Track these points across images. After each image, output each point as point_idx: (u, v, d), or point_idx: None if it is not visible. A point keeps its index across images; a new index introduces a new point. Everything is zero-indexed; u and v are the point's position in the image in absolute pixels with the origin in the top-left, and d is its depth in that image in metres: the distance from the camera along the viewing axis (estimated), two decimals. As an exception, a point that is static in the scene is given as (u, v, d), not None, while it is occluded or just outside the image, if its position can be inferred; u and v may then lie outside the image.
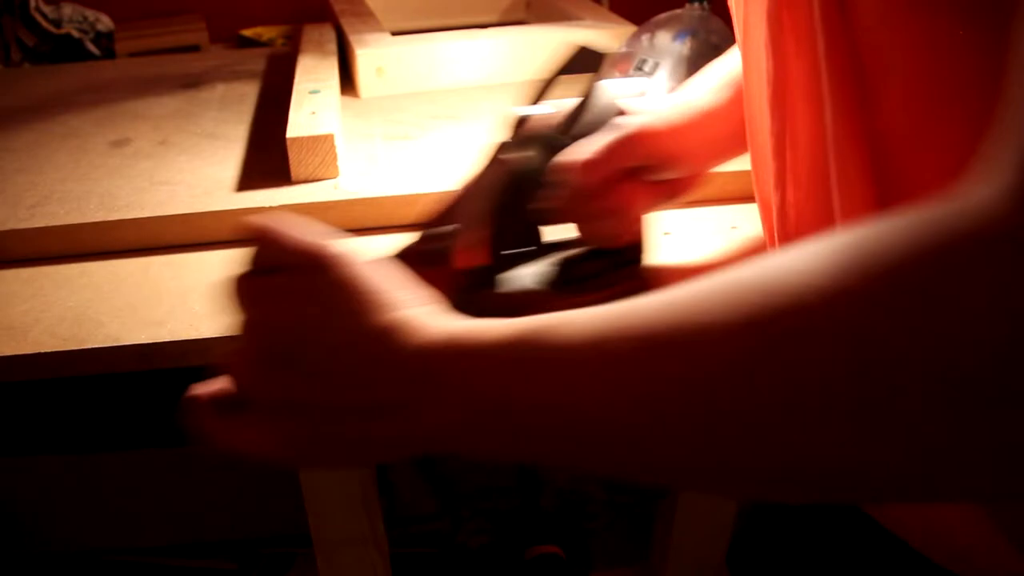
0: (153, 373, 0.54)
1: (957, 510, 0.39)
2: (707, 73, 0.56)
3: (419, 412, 0.32)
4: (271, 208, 0.65)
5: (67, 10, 1.36)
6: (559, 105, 0.50)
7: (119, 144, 0.81)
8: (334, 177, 0.70)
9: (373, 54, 0.92)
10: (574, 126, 0.50)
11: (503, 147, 0.48)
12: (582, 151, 0.49)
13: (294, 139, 0.69)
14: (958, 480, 0.25)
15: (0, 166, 0.76)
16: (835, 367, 0.24)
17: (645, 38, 0.82)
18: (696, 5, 0.81)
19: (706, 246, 0.62)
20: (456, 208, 0.48)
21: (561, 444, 0.31)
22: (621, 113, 0.52)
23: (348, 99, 0.92)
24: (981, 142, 0.24)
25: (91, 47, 1.35)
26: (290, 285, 0.35)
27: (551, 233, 0.54)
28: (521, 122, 0.49)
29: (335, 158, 0.70)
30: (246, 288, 0.36)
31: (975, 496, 0.27)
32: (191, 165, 0.75)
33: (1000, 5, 0.29)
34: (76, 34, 1.34)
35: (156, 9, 1.46)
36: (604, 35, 0.96)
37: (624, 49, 0.84)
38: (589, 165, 0.49)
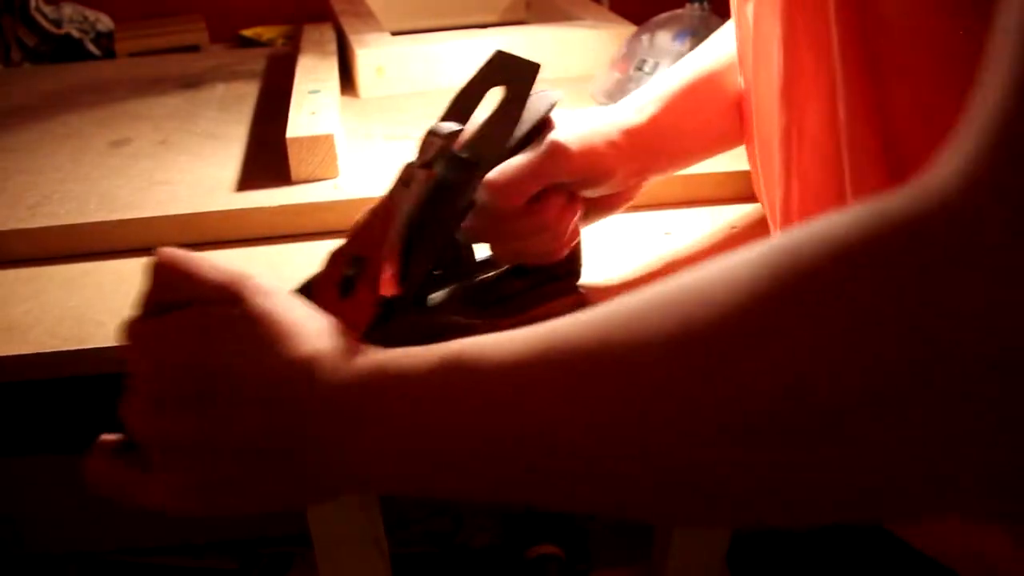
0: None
1: (957, 510, 0.39)
2: (643, 89, 0.55)
3: (341, 450, 0.31)
4: (271, 208, 0.66)
5: (67, 10, 1.36)
6: (477, 119, 0.47)
7: (119, 144, 0.81)
8: (334, 177, 0.70)
9: (373, 54, 0.92)
10: (494, 140, 0.47)
11: (415, 166, 0.45)
12: (502, 171, 0.46)
13: (294, 139, 0.69)
14: (901, 491, 0.24)
15: (0, 166, 0.76)
16: (765, 381, 0.23)
17: (645, 38, 0.82)
18: (696, 5, 0.81)
19: (707, 245, 0.62)
20: (366, 232, 0.44)
21: (490, 475, 0.29)
22: (544, 125, 0.49)
23: (348, 99, 0.92)
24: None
25: (91, 47, 1.35)
26: (197, 319, 0.32)
27: (475, 252, 0.51)
28: (435, 138, 0.45)
29: (335, 158, 0.70)
30: (144, 330, 0.33)
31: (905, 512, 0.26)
32: (191, 165, 0.75)
33: None
34: (76, 34, 1.34)
35: (156, 9, 1.46)
36: (604, 35, 0.96)
37: (624, 49, 0.84)
38: (509, 186, 0.46)
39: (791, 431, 0.23)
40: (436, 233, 0.44)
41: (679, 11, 0.82)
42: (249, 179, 0.71)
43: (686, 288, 0.26)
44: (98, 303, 0.57)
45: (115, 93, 0.97)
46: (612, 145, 0.50)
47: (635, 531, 0.99)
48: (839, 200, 0.39)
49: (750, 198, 0.65)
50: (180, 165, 0.75)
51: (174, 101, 0.93)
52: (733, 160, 0.61)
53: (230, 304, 0.32)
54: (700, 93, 0.55)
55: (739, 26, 0.49)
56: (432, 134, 0.45)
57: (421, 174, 0.44)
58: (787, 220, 0.44)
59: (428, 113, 0.87)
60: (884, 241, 0.22)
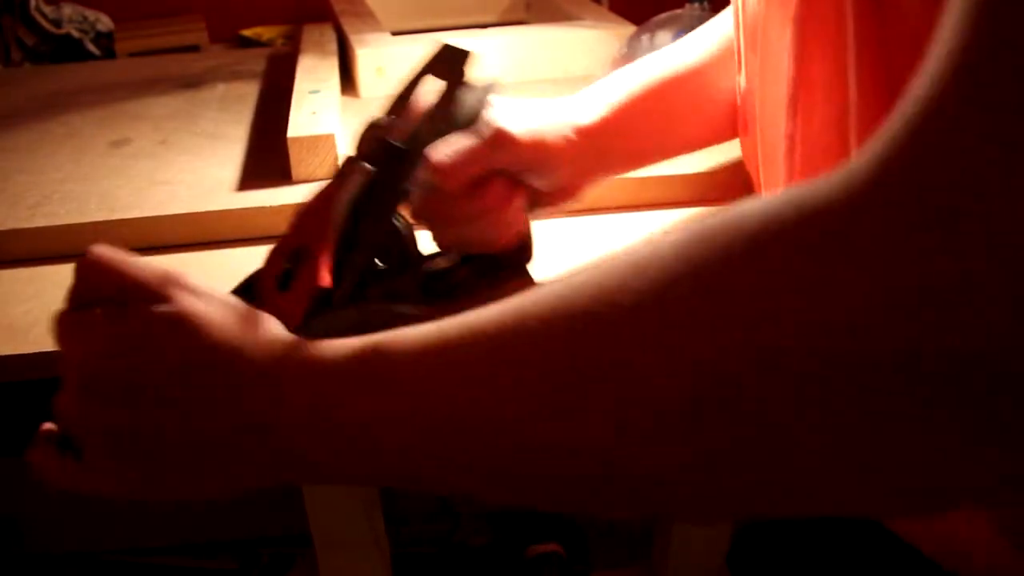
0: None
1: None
2: (603, 85, 0.56)
3: (265, 437, 0.31)
4: (271, 208, 0.65)
5: (67, 10, 1.36)
6: (417, 109, 0.48)
7: (119, 144, 0.81)
8: (334, 177, 0.70)
9: (373, 54, 0.92)
10: (433, 131, 0.48)
11: (354, 158, 0.46)
12: (441, 153, 0.47)
13: (294, 139, 0.69)
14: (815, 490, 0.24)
15: (0, 166, 0.76)
16: (663, 371, 0.23)
17: (645, 38, 0.82)
18: (696, 5, 0.81)
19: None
20: (303, 226, 0.46)
21: (411, 461, 0.30)
22: (481, 114, 0.50)
23: (348, 99, 0.92)
24: None
25: (91, 47, 1.35)
26: (123, 314, 0.33)
27: (420, 244, 0.52)
28: (371, 130, 0.47)
29: (335, 158, 0.70)
30: (73, 323, 0.34)
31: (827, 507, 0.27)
32: (191, 165, 0.75)
33: None
34: (76, 34, 1.34)
35: (156, 9, 1.46)
36: (604, 35, 0.96)
37: (624, 49, 0.84)
38: (451, 166, 0.47)
39: (706, 418, 0.23)
40: (372, 224, 0.45)
41: (679, 11, 0.82)
42: (249, 179, 0.71)
43: (603, 272, 0.26)
44: (98, 303, 0.57)
45: (115, 93, 0.97)
46: (562, 139, 0.51)
47: (635, 531, 0.99)
48: None
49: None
50: (180, 165, 0.75)
51: (174, 101, 0.93)
52: (731, 160, 0.61)
53: (158, 302, 0.33)
54: (669, 95, 0.56)
55: (745, 28, 0.49)
56: (369, 126, 0.47)
57: (357, 166, 0.45)
58: None
59: (428, 113, 0.87)
60: (787, 229, 0.22)
